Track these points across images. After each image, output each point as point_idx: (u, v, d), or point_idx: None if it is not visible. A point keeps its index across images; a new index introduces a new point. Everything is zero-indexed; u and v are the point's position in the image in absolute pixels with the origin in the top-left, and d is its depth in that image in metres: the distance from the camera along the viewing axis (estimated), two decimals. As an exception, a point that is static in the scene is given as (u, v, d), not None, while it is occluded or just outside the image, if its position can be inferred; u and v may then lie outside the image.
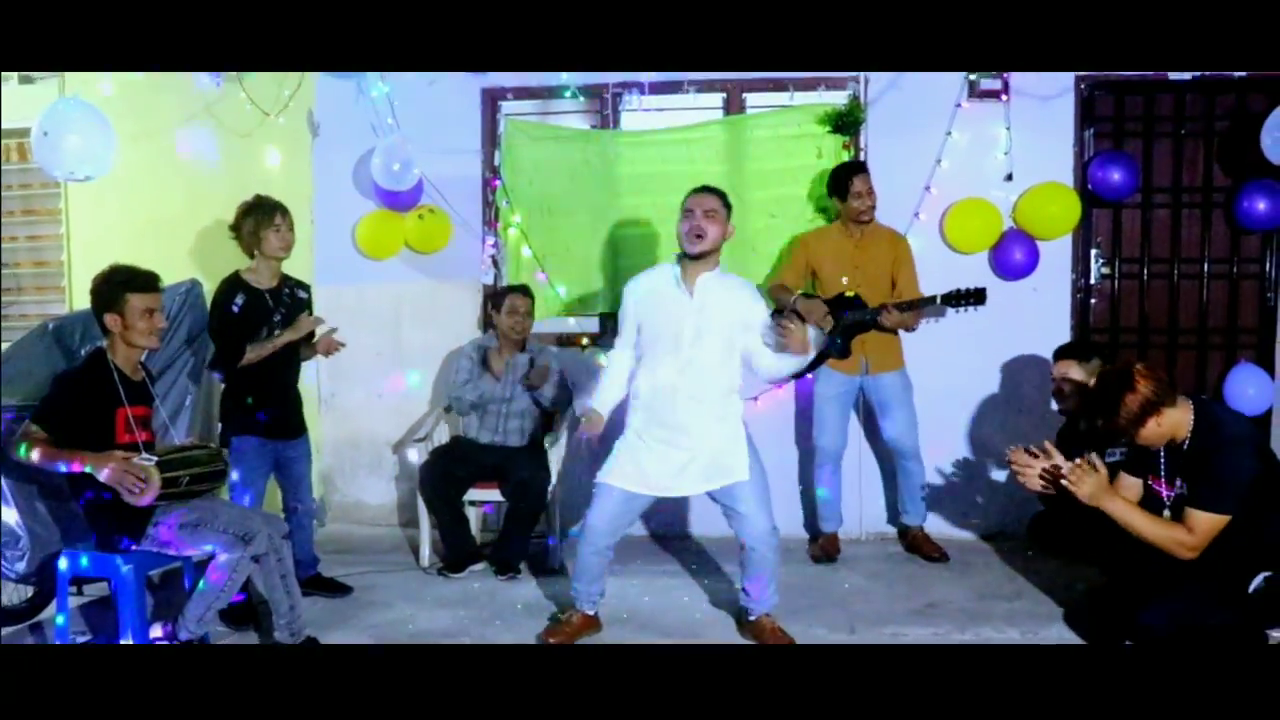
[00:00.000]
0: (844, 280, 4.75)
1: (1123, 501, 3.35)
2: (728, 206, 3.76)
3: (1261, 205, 4.93)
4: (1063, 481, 3.38)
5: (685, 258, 3.72)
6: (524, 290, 4.92)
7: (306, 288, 4.45)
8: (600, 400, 3.91)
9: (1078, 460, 3.39)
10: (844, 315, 4.69)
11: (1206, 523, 3.23)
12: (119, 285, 3.39)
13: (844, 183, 4.75)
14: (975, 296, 4.54)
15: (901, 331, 4.78)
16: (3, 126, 5.86)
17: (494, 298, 4.94)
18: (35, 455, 3.24)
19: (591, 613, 3.96)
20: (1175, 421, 3.30)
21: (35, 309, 5.86)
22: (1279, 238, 5.13)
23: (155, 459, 3.28)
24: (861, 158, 5.18)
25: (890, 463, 5.08)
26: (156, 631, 3.42)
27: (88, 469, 3.21)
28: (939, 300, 4.59)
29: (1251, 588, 3.30)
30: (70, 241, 5.91)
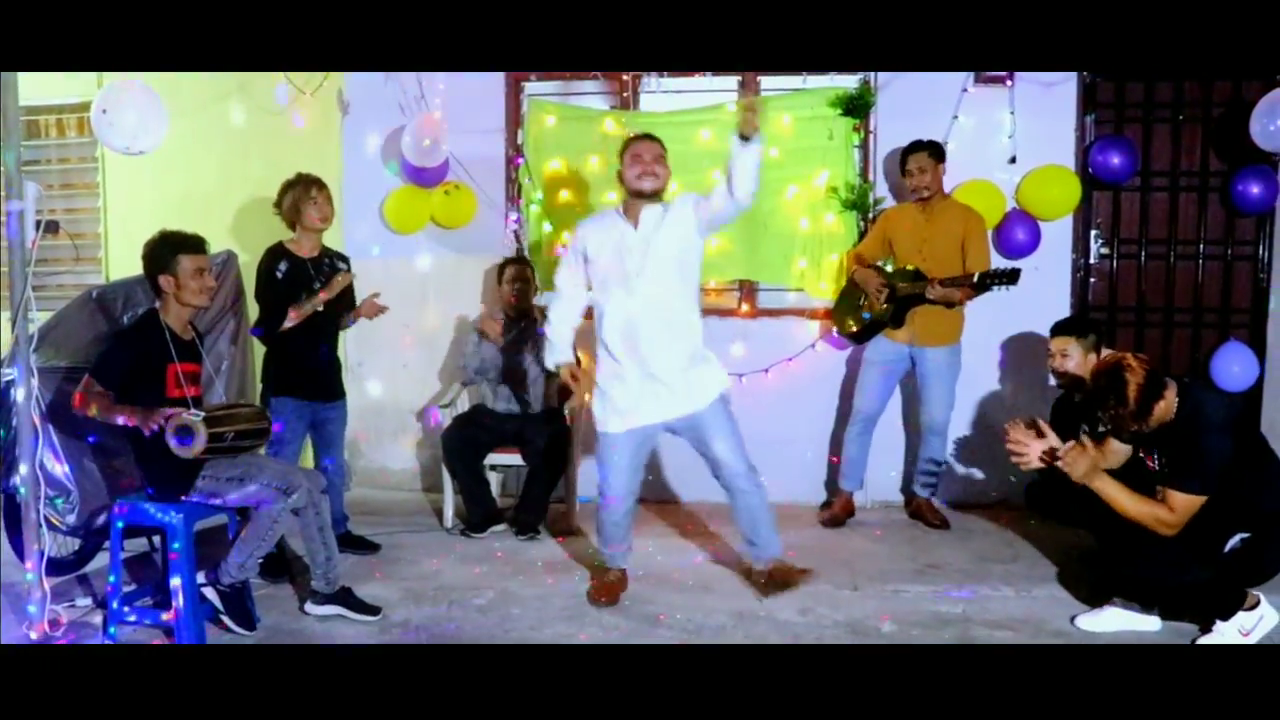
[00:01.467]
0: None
1: (1111, 481, 3.51)
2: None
3: (1255, 189, 5.12)
4: (1057, 463, 3.55)
5: (633, 197, 3.87)
6: (520, 260, 5.18)
7: (346, 259, 4.67)
8: (558, 350, 4.04)
9: (1070, 443, 3.56)
10: (896, 287, 4.92)
11: (1184, 503, 3.42)
12: (171, 247, 3.61)
13: (903, 161, 4.96)
14: (1008, 276, 4.63)
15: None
16: (43, 103, 6.12)
17: (498, 271, 5.16)
18: (94, 409, 3.47)
19: (625, 567, 4.16)
20: (1169, 402, 3.49)
21: (73, 279, 6.08)
22: (1272, 221, 5.30)
23: (203, 414, 3.50)
24: (872, 140, 5.38)
25: (915, 435, 5.30)
26: (201, 577, 3.64)
27: (135, 423, 3.43)
28: (975, 279, 4.72)
29: (1227, 548, 3.52)
30: (107, 215, 6.14)
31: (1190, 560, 3.45)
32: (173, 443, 3.41)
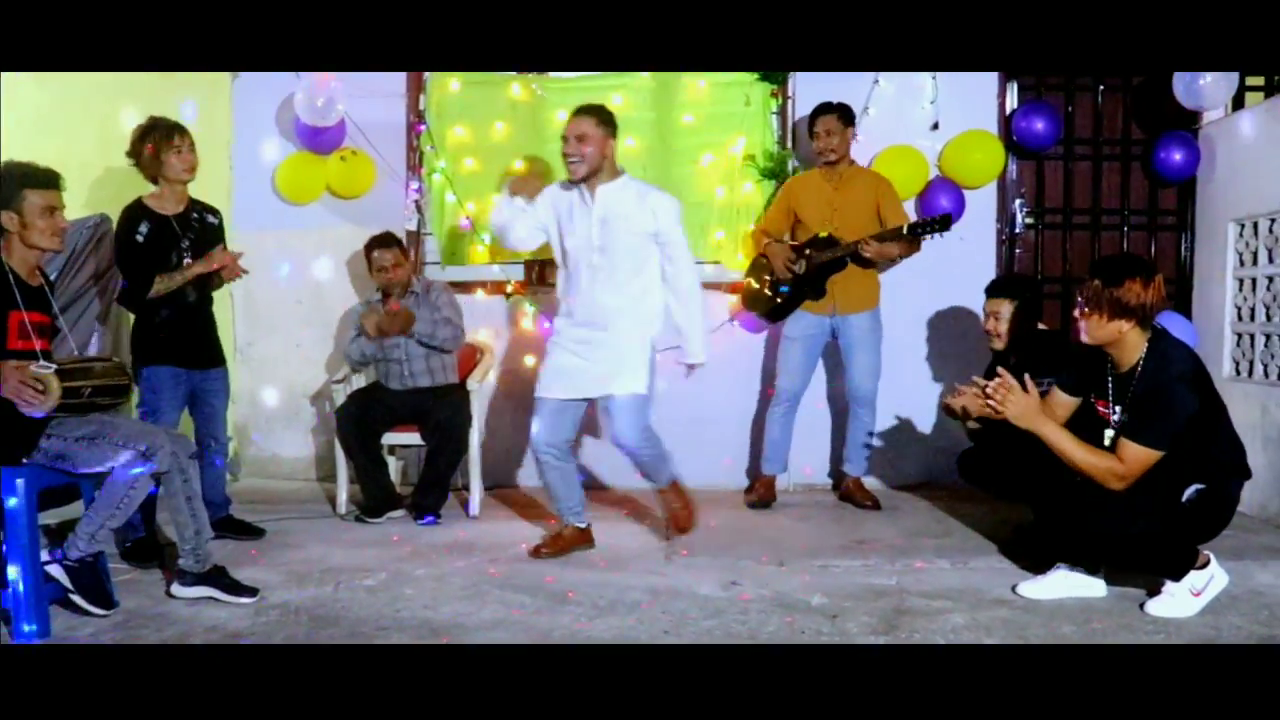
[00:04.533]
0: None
1: (1055, 425, 3.28)
2: (606, 124, 3.82)
3: (1177, 156, 5.05)
4: (989, 403, 3.34)
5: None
6: (385, 241, 4.64)
7: (217, 213, 4.27)
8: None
9: (997, 381, 3.33)
10: (810, 254, 4.64)
11: (1139, 456, 3.17)
12: (15, 181, 3.18)
13: (810, 125, 4.72)
14: (940, 223, 4.51)
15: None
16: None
17: (365, 254, 4.68)
18: None
19: (582, 525, 4.08)
20: (1133, 342, 3.24)
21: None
22: (1195, 190, 5.22)
23: (54, 367, 3.08)
24: (790, 106, 5.18)
25: (840, 410, 5.08)
26: (44, 555, 3.19)
27: None
28: (905, 229, 4.54)
29: (1184, 498, 3.30)
30: (-29, 186, 5.63)
31: (1143, 512, 3.20)
32: (20, 401, 3.00)
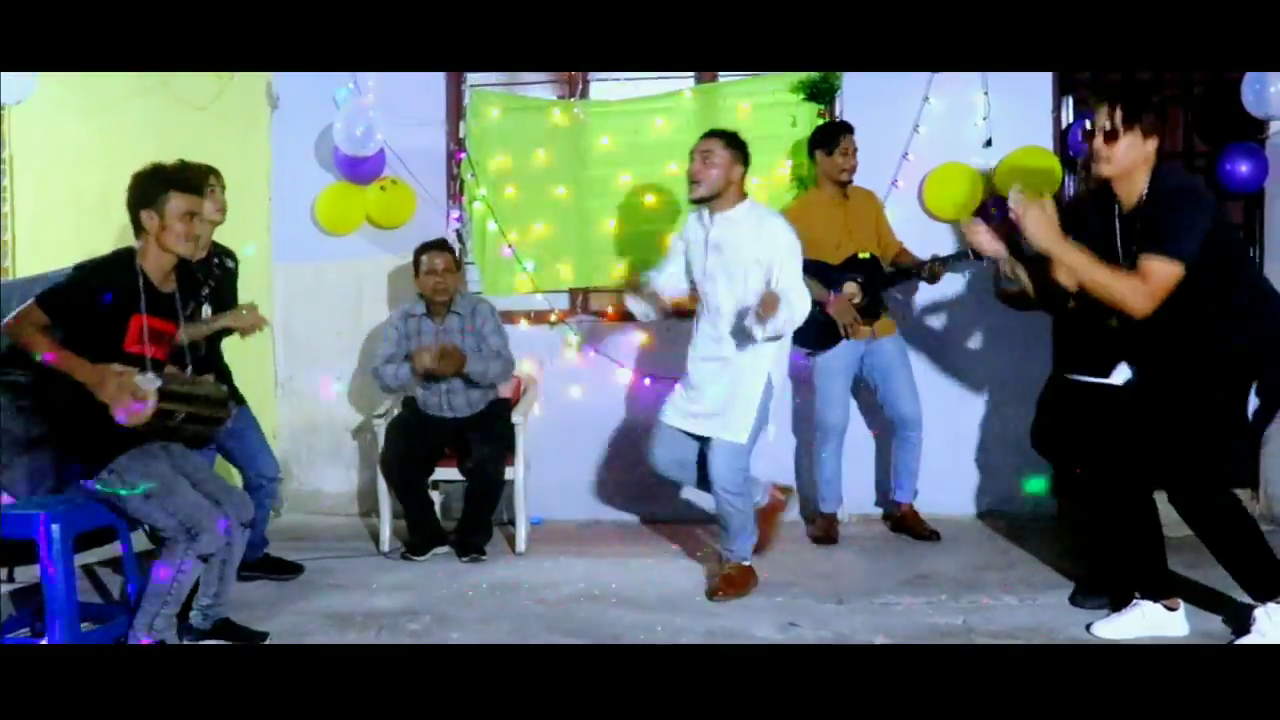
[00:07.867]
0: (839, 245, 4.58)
1: (1074, 246, 3.12)
2: (735, 148, 3.81)
3: (1244, 168, 4.81)
4: (1011, 215, 3.22)
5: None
6: (439, 245, 4.56)
7: (234, 256, 4.16)
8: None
9: (1013, 196, 3.23)
10: (876, 279, 4.55)
11: (1162, 268, 2.99)
12: (161, 181, 3.13)
13: (834, 140, 4.56)
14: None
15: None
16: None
17: (414, 260, 4.56)
18: (31, 342, 2.95)
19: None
20: (1136, 160, 3.14)
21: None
22: (1262, 202, 5.00)
23: (159, 383, 2.99)
24: (838, 126, 5.04)
25: (884, 436, 4.91)
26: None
27: (82, 380, 2.94)
28: (971, 254, 4.34)
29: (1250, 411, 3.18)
30: (14, 220, 5.62)
31: (1217, 439, 3.18)
32: (117, 410, 2.92)
